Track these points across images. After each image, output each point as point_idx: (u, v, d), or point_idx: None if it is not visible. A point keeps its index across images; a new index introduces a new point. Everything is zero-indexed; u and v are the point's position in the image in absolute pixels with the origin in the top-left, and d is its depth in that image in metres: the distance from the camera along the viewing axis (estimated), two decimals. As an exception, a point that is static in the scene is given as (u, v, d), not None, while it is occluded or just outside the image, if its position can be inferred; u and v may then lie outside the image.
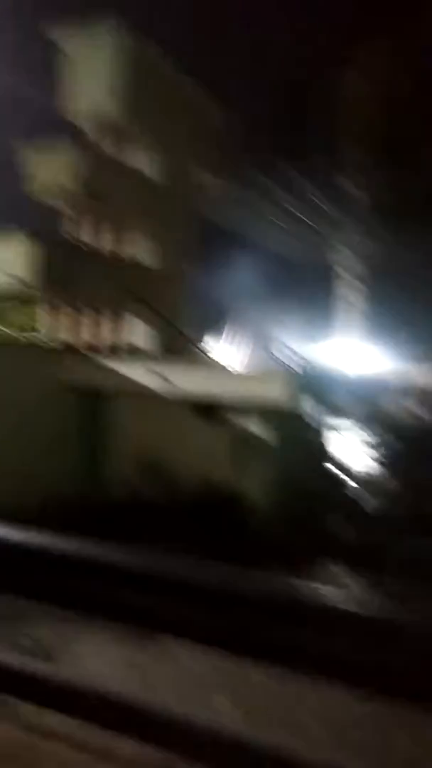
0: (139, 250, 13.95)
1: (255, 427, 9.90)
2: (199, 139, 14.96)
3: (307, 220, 20.35)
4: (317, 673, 2.32)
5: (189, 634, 2.52)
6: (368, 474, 11.55)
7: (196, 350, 13.23)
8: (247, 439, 9.83)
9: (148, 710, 2.36)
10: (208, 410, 9.97)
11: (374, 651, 2.09)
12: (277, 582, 2.97)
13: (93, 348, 12.31)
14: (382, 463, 11.27)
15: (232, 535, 8.32)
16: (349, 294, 19.17)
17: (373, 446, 11.73)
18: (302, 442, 10.86)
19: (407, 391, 13.17)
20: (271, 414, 9.73)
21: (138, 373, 10.09)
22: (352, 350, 17.67)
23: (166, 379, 9.83)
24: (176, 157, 14.23)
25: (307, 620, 2.20)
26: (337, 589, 7.36)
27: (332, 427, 11.52)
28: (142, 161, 13.95)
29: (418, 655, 2.03)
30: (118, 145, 13.74)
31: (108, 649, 4.80)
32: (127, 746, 2.49)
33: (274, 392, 9.44)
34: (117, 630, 3.85)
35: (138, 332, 13.54)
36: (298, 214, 20.22)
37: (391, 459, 11.20)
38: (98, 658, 4.82)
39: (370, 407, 12.44)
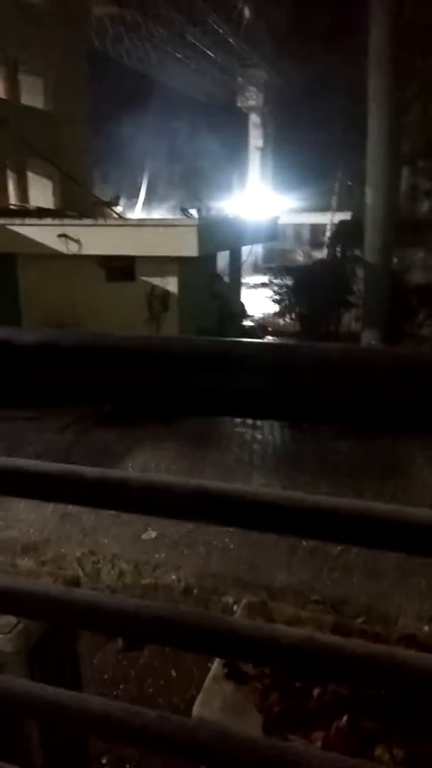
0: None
1: (167, 278, 10.21)
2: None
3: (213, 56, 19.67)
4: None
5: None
6: (266, 311, 12.61)
7: (105, 207, 13.20)
8: (159, 291, 10.20)
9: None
10: (121, 267, 10.18)
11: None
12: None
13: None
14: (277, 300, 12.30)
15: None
16: (254, 138, 18.96)
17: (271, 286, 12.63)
18: (208, 288, 11.66)
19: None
20: (182, 265, 10.02)
21: (47, 235, 10.05)
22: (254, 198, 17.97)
23: (77, 240, 9.90)
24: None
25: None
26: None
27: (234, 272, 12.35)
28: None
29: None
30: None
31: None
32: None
33: (186, 244, 9.56)
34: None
35: (45, 193, 13.48)
36: (208, 51, 19.46)
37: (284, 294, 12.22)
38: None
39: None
